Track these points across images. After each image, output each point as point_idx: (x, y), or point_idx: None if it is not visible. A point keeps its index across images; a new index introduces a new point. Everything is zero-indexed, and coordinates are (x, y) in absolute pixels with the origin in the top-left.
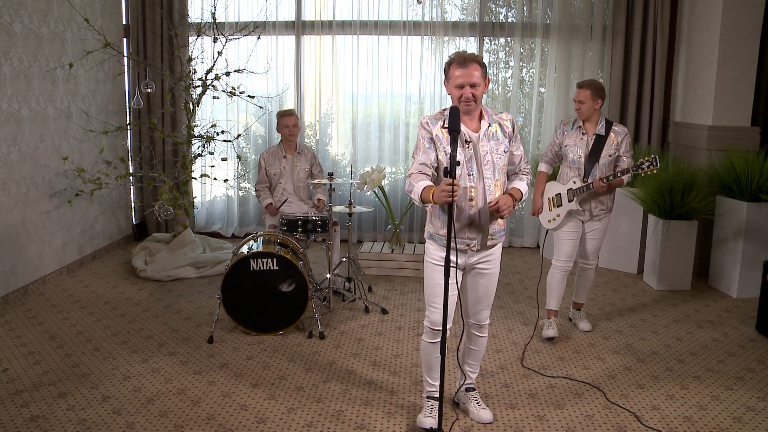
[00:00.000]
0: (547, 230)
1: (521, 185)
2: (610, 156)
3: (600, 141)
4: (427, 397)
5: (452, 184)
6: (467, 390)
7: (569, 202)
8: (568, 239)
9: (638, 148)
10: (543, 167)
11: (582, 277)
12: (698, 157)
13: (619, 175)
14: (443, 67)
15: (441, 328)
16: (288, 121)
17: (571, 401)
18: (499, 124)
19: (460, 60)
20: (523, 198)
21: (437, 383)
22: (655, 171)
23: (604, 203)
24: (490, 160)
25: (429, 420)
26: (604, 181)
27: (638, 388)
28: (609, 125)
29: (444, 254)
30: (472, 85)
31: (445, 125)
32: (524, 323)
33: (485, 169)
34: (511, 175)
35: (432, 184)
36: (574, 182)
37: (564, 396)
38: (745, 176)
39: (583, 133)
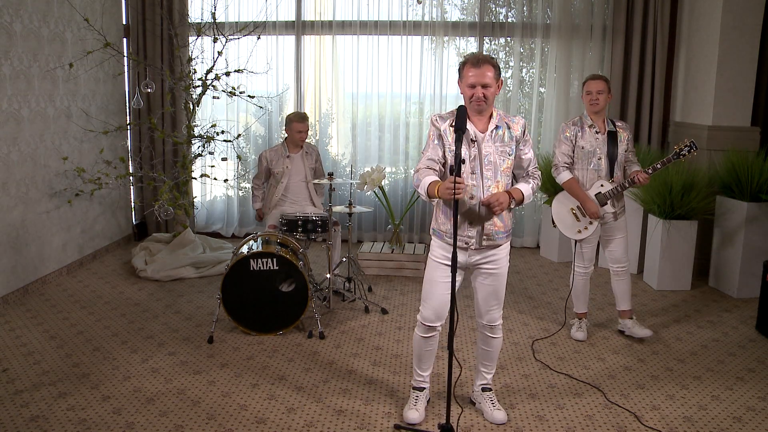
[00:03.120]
0: (575, 240)
1: (524, 187)
2: (624, 152)
3: (613, 137)
4: (413, 388)
5: (455, 182)
6: (483, 390)
7: (602, 206)
8: (591, 246)
9: (638, 148)
10: (568, 174)
11: (619, 281)
12: (698, 157)
13: (659, 166)
14: (458, 66)
15: (433, 324)
16: (301, 127)
17: (571, 401)
18: (508, 127)
19: (474, 60)
20: (525, 201)
21: (425, 374)
22: (695, 154)
23: (621, 201)
24: (492, 161)
25: (413, 413)
26: (650, 171)
27: (638, 388)
28: (613, 122)
29: (447, 253)
30: (484, 86)
31: (452, 123)
32: (524, 323)
33: (486, 169)
34: (519, 179)
35: (438, 179)
36: (602, 185)
37: (564, 396)
38: (745, 176)
39: (597, 132)
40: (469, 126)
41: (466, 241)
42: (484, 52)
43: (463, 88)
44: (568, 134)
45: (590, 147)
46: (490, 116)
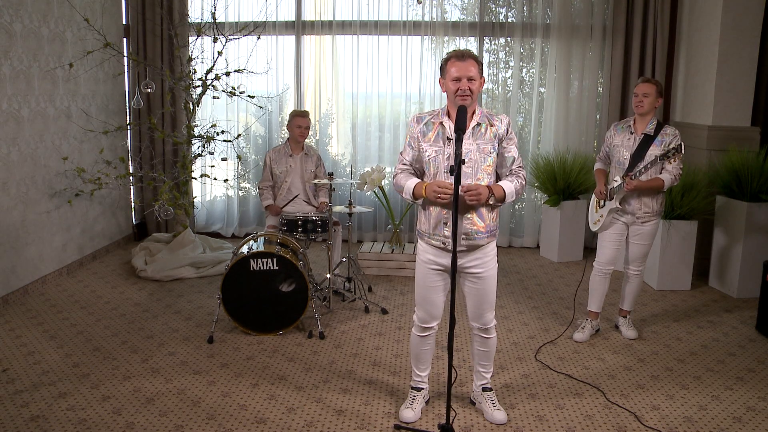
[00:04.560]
0: (595, 233)
1: (507, 185)
2: (656, 156)
3: (647, 140)
4: (412, 388)
5: (447, 187)
6: (484, 389)
7: (609, 200)
8: (609, 242)
9: None
10: (598, 164)
11: (627, 283)
12: (698, 157)
13: (643, 170)
14: (440, 64)
15: (429, 325)
16: (301, 122)
17: (571, 401)
18: (491, 124)
19: (459, 55)
20: (507, 199)
21: (423, 374)
22: (678, 158)
23: (650, 206)
24: (472, 159)
25: (408, 412)
26: (632, 177)
27: (638, 388)
28: (660, 126)
29: (431, 255)
30: (470, 79)
31: (433, 120)
32: (524, 323)
33: (465, 166)
34: (503, 177)
35: (421, 180)
36: (615, 181)
37: (564, 396)
38: (745, 176)
39: (631, 133)
40: (447, 123)
41: (443, 242)
42: (484, 52)
43: (447, 84)
44: (607, 132)
45: (619, 146)
46: (473, 113)
